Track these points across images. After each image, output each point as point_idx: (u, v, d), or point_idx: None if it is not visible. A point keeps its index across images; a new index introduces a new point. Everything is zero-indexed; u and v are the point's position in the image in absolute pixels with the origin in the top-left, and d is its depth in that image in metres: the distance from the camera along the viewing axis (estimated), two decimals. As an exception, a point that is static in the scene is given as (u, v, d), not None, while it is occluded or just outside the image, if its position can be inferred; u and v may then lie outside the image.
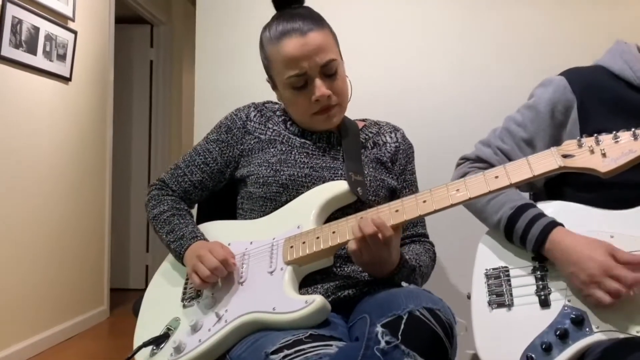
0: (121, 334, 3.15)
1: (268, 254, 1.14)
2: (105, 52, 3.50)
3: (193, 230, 1.24)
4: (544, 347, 1.03)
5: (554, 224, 1.10)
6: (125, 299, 3.90)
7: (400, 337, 0.81)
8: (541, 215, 1.12)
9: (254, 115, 1.32)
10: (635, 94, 1.16)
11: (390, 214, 1.05)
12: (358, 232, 1.02)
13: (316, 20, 1.21)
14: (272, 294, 1.07)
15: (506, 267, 1.16)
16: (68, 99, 3.07)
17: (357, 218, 1.08)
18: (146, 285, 4.46)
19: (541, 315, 1.07)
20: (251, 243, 1.19)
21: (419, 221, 1.33)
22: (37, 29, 2.73)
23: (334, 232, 1.09)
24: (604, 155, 0.91)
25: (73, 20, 3.05)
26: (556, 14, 1.74)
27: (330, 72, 1.20)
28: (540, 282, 1.11)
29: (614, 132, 0.93)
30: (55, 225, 2.95)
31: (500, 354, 1.09)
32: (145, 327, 1.21)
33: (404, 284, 1.06)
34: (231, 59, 1.84)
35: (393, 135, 1.35)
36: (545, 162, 0.95)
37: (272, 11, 1.81)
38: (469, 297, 1.18)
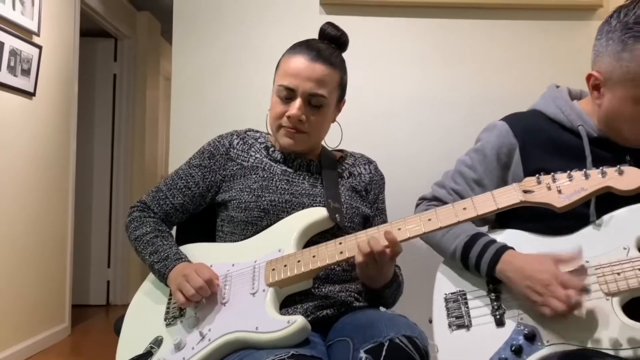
0: (83, 351, 3.11)
1: (250, 275, 1.21)
2: (70, 66, 3.48)
3: (177, 252, 1.29)
4: None
5: (505, 248, 1.21)
6: (87, 315, 3.85)
7: None
8: (493, 241, 1.24)
9: (237, 143, 1.38)
10: (568, 134, 1.29)
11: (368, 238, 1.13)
12: (367, 248, 1.10)
13: (334, 62, 1.32)
14: (254, 314, 1.13)
15: (463, 291, 1.26)
16: (32, 114, 3.04)
17: (337, 244, 1.16)
18: (107, 302, 4.39)
19: (497, 334, 1.17)
20: (233, 265, 1.25)
21: None
22: (1, 44, 2.71)
23: (314, 256, 1.16)
24: (559, 191, 1.02)
25: (38, 35, 3.04)
26: (524, 45, 1.87)
27: (315, 103, 1.30)
28: (495, 303, 1.21)
29: (568, 172, 1.04)
30: (17, 240, 2.91)
31: None
32: (128, 345, 1.24)
33: (382, 308, 1.15)
34: (207, 82, 1.89)
35: (367, 167, 1.45)
36: (508, 196, 1.06)
37: (247, 34, 1.87)
38: (430, 321, 1.27)
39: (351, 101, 1.84)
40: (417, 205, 1.45)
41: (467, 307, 1.24)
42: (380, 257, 1.10)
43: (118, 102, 4.48)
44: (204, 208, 1.41)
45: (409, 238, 1.12)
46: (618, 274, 1.13)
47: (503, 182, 1.32)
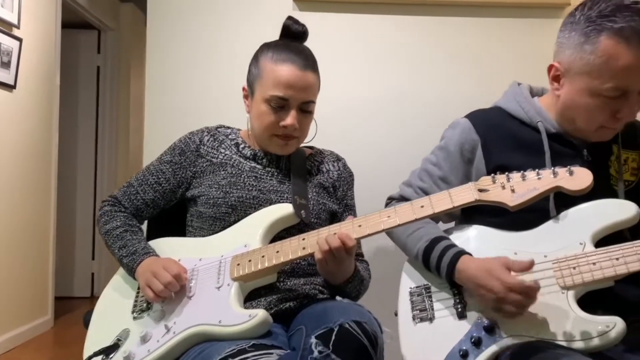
0: (66, 344, 3.12)
1: (216, 270, 1.23)
2: (51, 58, 3.47)
3: (145, 246, 1.32)
4: (461, 353, 1.17)
5: (459, 255, 1.23)
6: (71, 307, 3.86)
7: (331, 347, 0.93)
8: (450, 247, 1.26)
9: (207, 140, 1.40)
10: (528, 130, 1.32)
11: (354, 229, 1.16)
12: (325, 245, 1.14)
13: (314, 64, 1.36)
14: (218, 308, 1.16)
15: (427, 284, 1.30)
16: (12, 107, 3.03)
17: (300, 240, 1.19)
18: (92, 294, 4.40)
19: (459, 326, 1.21)
20: (200, 260, 1.28)
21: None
22: (-19, 37, 2.70)
23: (277, 252, 1.19)
24: (513, 191, 1.05)
25: (18, 27, 3.03)
26: (499, 44, 1.89)
27: (306, 109, 1.34)
28: (457, 297, 1.25)
29: (522, 171, 1.07)
30: (-2, 233, 2.92)
31: None
32: (96, 337, 1.27)
33: (338, 298, 1.18)
34: (182, 78, 1.90)
35: (336, 164, 1.48)
36: (464, 195, 1.09)
37: (221, 30, 1.88)
38: (396, 314, 1.31)
39: (325, 99, 1.87)
40: (387, 204, 1.48)
41: (431, 301, 1.27)
42: (338, 253, 1.13)
43: (102, 95, 4.47)
44: (174, 203, 1.43)
45: (369, 235, 1.15)
46: (574, 268, 1.17)
47: (467, 178, 1.35)
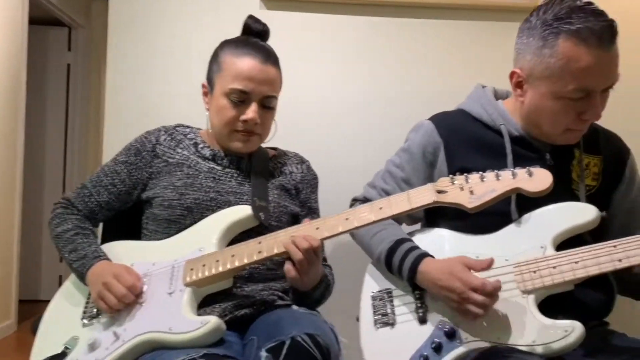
0: (28, 349, 3.02)
1: (169, 275, 1.19)
2: (18, 55, 3.38)
3: (96, 250, 1.26)
4: (422, 359, 1.15)
5: (421, 257, 1.22)
6: (35, 311, 3.72)
7: None
8: (412, 249, 1.25)
9: (164, 139, 1.36)
10: (491, 133, 1.31)
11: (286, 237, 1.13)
12: (292, 246, 1.11)
13: (276, 60, 1.33)
14: (169, 315, 1.12)
15: (389, 289, 1.28)
16: (-25, 104, 2.94)
17: (256, 243, 1.15)
18: (59, 297, 4.23)
19: (420, 331, 1.19)
20: (154, 264, 1.23)
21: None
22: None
23: (233, 256, 1.15)
24: (471, 192, 1.03)
25: (-18, 22, 2.94)
26: (463, 46, 1.88)
27: (267, 104, 1.30)
28: (419, 301, 1.23)
29: (480, 173, 1.06)
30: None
31: None
32: (43, 345, 1.22)
33: (294, 307, 1.14)
34: (143, 76, 1.85)
35: (299, 166, 1.44)
36: (422, 196, 1.07)
37: (184, 29, 1.83)
38: (357, 319, 1.29)
39: (292, 99, 1.84)
40: (351, 206, 1.46)
41: (393, 305, 1.25)
42: (308, 256, 1.10)
43: (72, 93, 4.38)
44: (131, 205, 1.38)
45: (327, 237, 1.12)
46: (534, 272, 1.16)
47: (429, 179, 1.33)
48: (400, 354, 1.18)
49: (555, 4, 1.18)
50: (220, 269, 1.14)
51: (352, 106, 1.87)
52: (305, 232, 1.13)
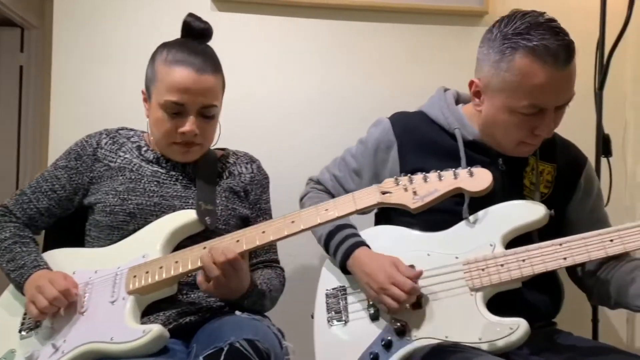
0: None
1: (111, 283, 1.15)
2: (-35, 57, 3.25)
3: (35, 259, 1.22)
4: (372, 357, 1.16)
5: (359, 244, 1.25)
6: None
7: None
8: (352, 235, 1.27)
9: (105, 142, 1.31)
10: (446, 137, 1.32)
11: (232, 243, 1.11)
12: (211, 261, 1.08)
13: (215, 65, 1.27)
14: (111, 324, 1.09)
15: (343, 286, 1.29)
16: None
17: (201, 249, 1.12)
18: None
19: (371, 329, 1.20)
20: (96, 272, 1.19)
21: (271, 247, 1.40)
22: None
23: (176, 262, 1.12)
24: (415, 193, 1.03)
25: None
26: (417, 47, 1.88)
27: (207, 114, 1.25)
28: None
29: (424, 173, 1.06)
30: None
31: None
32: None
33: (237, 312, 1.12)
34: (89, 79, 1.80)
35: (249, 166, 1.41)
36: (367, 198, 1.07)
37: (134, 31, 1.79)
38: (312, 316, 1.29)
39: (246, 100, 1.81)
40: (307, 183, 1.49)
41: (346, 303, 1.26)
42: (225, 270, 1.08)
43: (25, 95, 4.24)
44: (74, 211, 1.33)
45: (273, 241, 1.10)
46: (482, 269, 1.17)
47: (377, 176, 1.34)
48: (351, 351, 1.19)
49: (517, 18, 1.17)
50: (164, 275, 1.11)
51: (305, 107, 1.85)
52: (251, 236, 1.11)
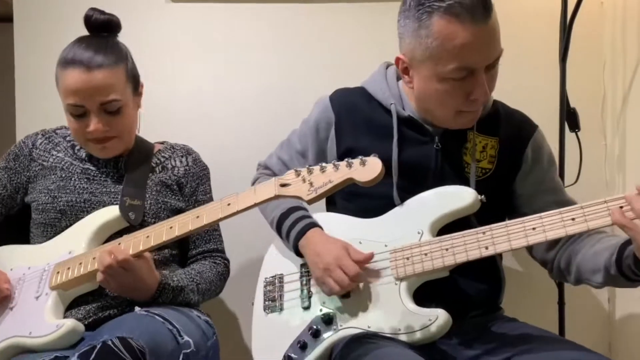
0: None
1: (38, 279, 1.20)
2: None
3: None
4: (300, 345, 1.16)
5: (312, 225, 1.23)
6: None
7: None
8: (305, 217, 1.26)
9: (40, 143, 1.35)
10: (383, 113, 1.27)
11: (142, 240, 1.13)
12: (99, 264, 1.10)
13: (113, 57, 1.25)
14: (32, 319, 1.14)
15: (281, 274, 1.28)
16: None
17: (116, 244, 1.15)
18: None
19: (303, 317, 1.20)
20: (29, 268, 1.25)
21: (211, 237, 1.41)
22: None
23: (94, 258, 1.15)
24: (311, 184, 1.00)
25: None
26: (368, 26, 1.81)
27: (109, 110, 1.24)
28: (305, 287, 1.23)
29: (322, 164, 1.03)
30: None
31: (269, 355, 1.21)
32: None
33: (137, 308, 1.13)
34: (51, 79, 1.84)
35: (184, 159, 1.41)
36: (266, 191, 1.05)
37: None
38: (252, 304, 1.29)
39: (197, 93, 1.79)
40: (257, 169, 1.48)
41: (282, 291, 1.26)
42: (112, 271, 1.10)
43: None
44: (22, 209, 1.38)
45: (180, 236, 1.10)
46: (407, 258, 1.15)
47: (321, 155, 1.31)
48: (283, 340, 1.19)
49: None
50: (82, 271, 1.15)
51: (254, 97, 1.81)
52: (185, 221, 1.11)
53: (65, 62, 1.22)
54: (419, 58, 1.14)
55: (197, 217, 1.09)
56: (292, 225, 1.24)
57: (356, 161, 0.99)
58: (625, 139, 1.65)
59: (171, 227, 1.11)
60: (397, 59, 1.21)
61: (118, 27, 1.32)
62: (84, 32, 1.31)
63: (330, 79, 1.56)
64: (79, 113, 1.23)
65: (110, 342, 0.91)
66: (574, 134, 1.60)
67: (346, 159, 1.00)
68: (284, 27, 1.82)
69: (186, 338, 1.05)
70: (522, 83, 1.71)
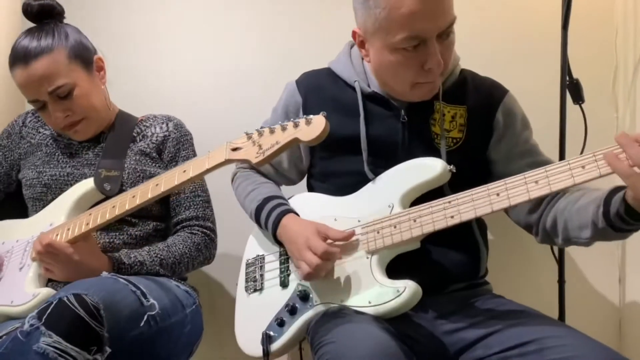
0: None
1: (22, 251, 1.26)
2: None
3: None
4: (277, 322, 1.16)
5: (286, 212, 1.22)
6: None
7: (44, 320, 0.91)
8: (280, 205, 1.24)
9: (29, 121, 1.42)
10: (349, 91, 1.26)
11: (108, 210, 1.16)
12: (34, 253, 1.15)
13: (47, 42, 1.25)
14: (15, 288, 1.19)
15: (262, 255, 1.29)
16: None
17: (87, 215, 1.18)
18: None
19: (281, 295, 1.20)
20: (17, 241, 1.31)
21: (191, 204, 1.39)
22: None
23: (68, 229, 1.19)
24: (259, 147, 1.00)
25: None
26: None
27: (62, 94, 1.26)
28: (283, 266, 1.23)
29: (271, 125, 1.02)
30: None
31: (250, 334, 1.21)
32: None
33: (104, 273, 1.13)
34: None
35: (164, 125, 1.43)
36: (217, 155, 1.05)
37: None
38: (237, 284, 1.31)
39: (178, 72, 1.78)
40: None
41: (262, 271, 1.27)
42: (44, 257, 1.16)
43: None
44: (18, 186, 1.43)
45: (132, 208, 1.12)
46: (377, 232, 1.13)
47: None
48: (262, 318, 1.19)
49: None
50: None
51: (240, 71, 1.81)
52: (145, 190, 1.12)
53: (10, 64, 1.27)
54: (371, 30, 1.13)
55: (157, 185, 1.11)
56: (267, 217, 1.23)
57: (302, 120, 0.98)
58: (635, 111, 1.55)
59: (133, 196, 1.13)
60: (354, 33, 1.20)
61: (55, 10, 1.32)
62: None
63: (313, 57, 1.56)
64: (39, 107, 1.29)
65: (65, 299, 0.93)
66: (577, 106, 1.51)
67: (292, 119, 0.99)
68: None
69: (152, 301, 1.06)
70: (524, 53, 1.64)
